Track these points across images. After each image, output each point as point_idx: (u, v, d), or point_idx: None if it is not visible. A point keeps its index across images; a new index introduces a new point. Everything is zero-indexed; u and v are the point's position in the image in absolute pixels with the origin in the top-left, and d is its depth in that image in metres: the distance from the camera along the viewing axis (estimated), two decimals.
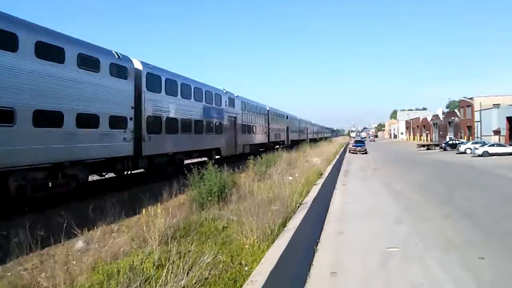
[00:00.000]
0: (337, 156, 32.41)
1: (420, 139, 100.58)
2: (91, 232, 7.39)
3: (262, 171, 16.21)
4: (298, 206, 9.60)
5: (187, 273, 5.29)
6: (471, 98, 71.28)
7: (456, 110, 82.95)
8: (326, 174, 17.75)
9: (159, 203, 8.92)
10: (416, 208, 13.37)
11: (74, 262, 6.12)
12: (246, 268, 5.91)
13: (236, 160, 25.44)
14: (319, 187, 13.19)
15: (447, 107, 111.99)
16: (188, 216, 8.95)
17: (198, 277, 5.26)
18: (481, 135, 62.51)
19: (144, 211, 8.25)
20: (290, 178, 14.48)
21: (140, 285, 4.88)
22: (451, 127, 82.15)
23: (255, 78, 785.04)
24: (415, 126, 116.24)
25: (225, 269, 5.86)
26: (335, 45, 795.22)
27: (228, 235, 7.65)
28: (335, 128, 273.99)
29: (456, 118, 79.15)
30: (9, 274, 5.22)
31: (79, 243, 6.93)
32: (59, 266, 5.53)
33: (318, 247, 8.68)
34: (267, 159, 19.16)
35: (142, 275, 5.24)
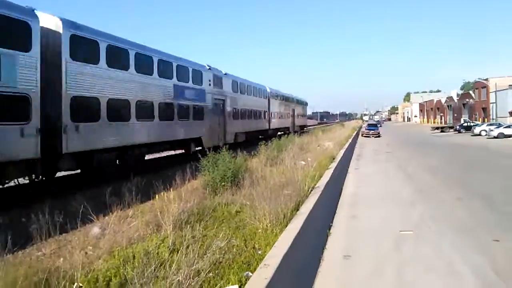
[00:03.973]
0: (350, 140, 32.31)
1: (434, 122, 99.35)
2: (106, 217, 7.53)
3: (274, 155, 16.22)
4: (311, 190, 9.64)
5: (201, 256, 5.38)
6: (486, 79, 69.88)
7: (470, 92, 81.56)
8: (338, 158, 17.73)
9: (171, 189, 9.06)
10: (430, 191, 13.28)
11: (91, 247, 6.26)
12: (259, 252, 5.98)
13: (248, 145, 25.34)
14: (332, 171, 13.20)
15: (461, 89, 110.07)
16: (202, 201, 9.04)
17: (212, 261, 5.34)
18: (496, 117, 61.48)
19: (157, 197, 8.38)
20: (303, 162, 14.49)
21: (155, 270, 4.96)
22: (466, 109, 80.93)
23: (264, 61, 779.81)
24: (429, 109, 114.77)
25: (238, 253, 5.95)
26: (346, 27, 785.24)
27: (241, 219, 7.73)
28: (347, 112, 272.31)
29: (471, 100, 77.88)
30: (29, 259, 5.33)
31: (95, 229, 7.07)
32: (77, 251, 5.66)
33: (331, 231, 8.70)
34: (278, 144, 19.16)
35: (157, 260, 5.33)
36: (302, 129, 54.66)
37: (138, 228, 6.87)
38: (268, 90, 38.17)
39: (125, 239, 6.29)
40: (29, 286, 4.40)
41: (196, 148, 20.40)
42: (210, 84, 22.77)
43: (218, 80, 24.20)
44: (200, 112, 21.23)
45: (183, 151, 21.37)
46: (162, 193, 8.63)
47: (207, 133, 21.91)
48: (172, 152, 22.22)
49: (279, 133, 40.46)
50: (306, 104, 63.97)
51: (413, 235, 8.33)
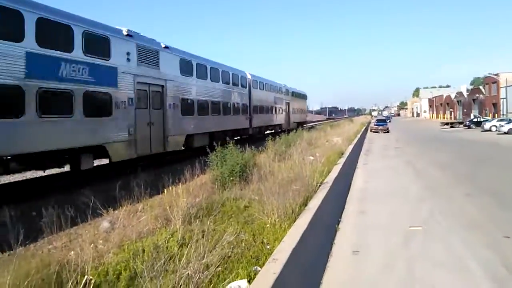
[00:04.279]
0: (358, 136, 32.17)
1: (444, 117, 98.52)
2: (116, 211, 7.59)
3: (283, 151, 16.21)
4: (319, 186, 9.62)
5: (210, 251, 5.40)
6: (496, 74, 69.20)
7: (480, 87, 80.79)
8: (347, 153, 17.66)
9: (180, 183, 9.09)
10: (439, 187, 13.21)
11: (101, 241, 6.32)
12: (268, 247, 5.99)
13: (255, 140, 25.28)
14: (340, 166, 13.16)
15: (471, 84, 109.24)
16: (211, 196, 9.08)
17: (221, 255, 5.36)
18: (507, 112, 60.96)
19: (166, 191, 8.42)
20: (311, 157, 14.45)
21: (164, 263, 5.00)
22: (476, 104, 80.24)
23: (270, 56, 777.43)
24: (438, 104, 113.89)
25: (247, 248, 5.95)
26: (355, 22, 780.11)
27: (250, 214, 7.74)
28: (356, 107, 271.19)
29: (481, 95, 77.19)
30: (40, 252, 5.39)
31: (105, 223, 7.13)
32: (87, 245, 5.71)
33: (339, 226, 8.70)
34: (287, 139, 19.14)
35: (167, 254, 5.37)
36: (300, 127, 45.84)
37: (148, 222, 6.91)
38: (249, 77, 30.02)
39: (134, 233, 6.33)
40: (41, 278, 4.45)
41: (104, 161, 14.82)
42: (128, 59, 14.67)
43: (146, 54, 15.88)
44: (102, 105, 13.42)
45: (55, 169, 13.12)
46: (171, 188, 8.67)
47: (120, 137, 13.94)
48: None
49: (268, 131, 35.12)
50: (305, 97, 56.40)
51: (422, 231, 8.30)
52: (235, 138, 23.46)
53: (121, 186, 8.29)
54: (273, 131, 36.54)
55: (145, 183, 8.37)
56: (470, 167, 17.70)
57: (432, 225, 8.72)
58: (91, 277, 4.71)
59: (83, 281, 4.56)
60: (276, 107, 37.93)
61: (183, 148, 19.50)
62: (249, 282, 4.60)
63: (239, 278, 4.82)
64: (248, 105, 29.29)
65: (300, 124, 49.17)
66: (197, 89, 20.79)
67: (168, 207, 7.17)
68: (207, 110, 21.75)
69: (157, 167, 14.57)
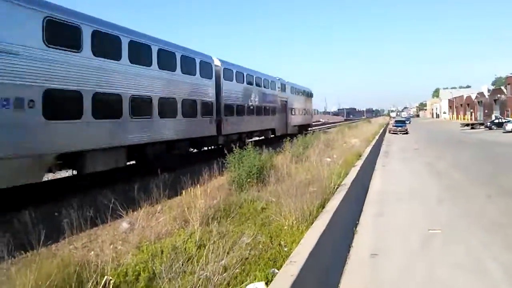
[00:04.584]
0: (377, 137, 31.82)
1: (464, 118, 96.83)
2: (135, 212, 7.68)
3: (300, 152, 16.16)
4: (337, 188, 9.56)
5: (228, 253, 5.43)
6: None
7: (502, 87, 79.06)
8: (365, 155, 17.50)
9: (198, 185, 9.16)
10: (459, 189, 12.99)
11: (120, 242, 6.41)
12: (285, 249, 5.98)
13: (273, 142, 25.20)
14: (358, 168, 13.05)
15: (492, 84, 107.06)
16: (228, 197, 9.11)
17: (239, 257, 5.38)
18: None
19: (184, 193, 8.49)
20: (328, 159, 14.39)
21: (182, 265, 5.05)
22: (497, 105, 78.57)
23: (284, 57, 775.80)
24: (459, 105, 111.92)
25: (264, 250, 5.96)
26: (373, 22, 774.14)
27: (267, 216, 7.74)
28: (374, 108, 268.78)
29: (503, 96, 75.53)
30: (61, 252, 5.49)
31: (124, 224, 7.24)
32: (107, 246, 5.80)
33: (357, 229, 8.63)
34: (304, 141, 19.08)
35: (185, 255, 5.42)
36: (303, 131, 37.37)
37: (166, 223, 6.97)
38: (217, 64, 21.22)
39: (153, 234, 6.40)
40: (62, 278, 4.54)
41: None
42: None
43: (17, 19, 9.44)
44: None
45: None
46: (189, 189, 8.74)
47: None
48: None
49: (255, 138, 27.42)
50: (310, 94, 45.71)
51: (442, 234, 8.19)
52: (190, 151, 18.89)
53: (140, 187, 8.38)
54: (262, 137, 28.76)
55: (164, 184, 8.44)
56: (491, 169, 17.36)
57: (452, 228, 8.60)
58: (110, 278, 4.78)
59: (103, 281, 4.64)
60: (265, 107, 28.39)
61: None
62: (267, 284, 4.60)
63: (257, 280, 4.83)
64: (214, 103, 20.03)
65: (303, 128, 39.75)
66: (121, 79, 13.09)
67: (186, 209, 7.23)
68: (138, 109, 13.83)
69: (176, 168, 14.69)
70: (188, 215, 7.09)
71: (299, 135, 24.83)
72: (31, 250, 5.38)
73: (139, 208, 7.73)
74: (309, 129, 43.13)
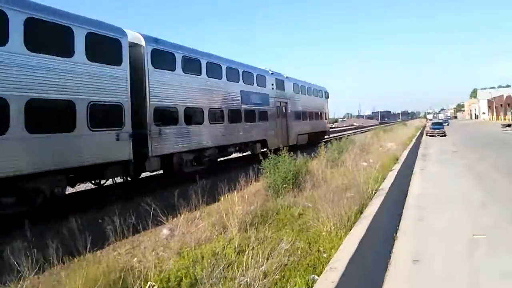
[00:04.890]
0: (414, 140, 31.14)
1: (505, 119, 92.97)
2: (175, 219, 7.84)
3: (335, 157, 16.03)
4: (375, 193, 9.45)
5: (267, 259, 5.46)
6: None
7: None
8: (402, 159, 17.18)
9: (235, 191, 9.28)
10: (503, 192, 12.49)
11: (162, 248, 6.56)
12: (324, 255, 5.96)
13: (306, 147, 24.99)
14: (396, 172, 12.83)
15: None
16: (264, 203, 9.15)
17: (278, 263, 5.40)
18: None
19: (222, 199, 8.59)
20: (364, 164, 14.21)
21: (223, 270, 5.11)
22: None
23: (315, 59, 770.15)
24: (498, 105, 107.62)
25: (303, 256, 5.96)
26: (407, 22, 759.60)
27: (304, 222, 7.73)
28: (410, 111, 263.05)
29: None
30: (106, 258, 5.68)
31: (165, 230, 7.41)
32: (149, 252, 5.96)
33: (397, 234, 8.46)
34: (339, 146, 18.90)
35: (225, 261, 5.49)
36: (317, 140, 30.37)
37: (205, 229, 7.08)
38: (140, 43, 13.59)
39: (193, 240, 6.52)
40: (108, 283, 4.70)
41: None
42: None
43: None
44: None
45: None
46: (226, 195, 8.86)
47: None
48: None
49: (233, 155, 21.37)
50: (324, 94, 35.88)
51: (487, 239, 7.91)
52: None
53: (180, 193, 8.55)
54: (243, 153, 21.62)
55: (202, 190, 8.57)
56: None
57: (498, 233, 8.28)
58: (153, 283, 4.91)
59: (147, 286, 4.78)
60: (248, 110, 20.38)
61: None
62: None
63: (297, 286, 4.84)
64: (127, 106, 12.03)
65: (316, 137, 31.50)
66: None
67: (224, 215, 7.32)
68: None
69: (214, 174, 14.91)
70: (227, 221, 7.18)
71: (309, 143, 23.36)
72: (78, 255, 5.60)
73: (179, 215, 7.89)
74: (326, 137, 35.45)
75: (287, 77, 26.86)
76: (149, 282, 4.89)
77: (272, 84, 24.05)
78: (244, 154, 21.83)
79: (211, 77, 17.20)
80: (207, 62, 16.93)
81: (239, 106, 19.62)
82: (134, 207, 8.41)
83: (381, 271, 6.35)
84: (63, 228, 6.48)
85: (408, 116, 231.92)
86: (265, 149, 19.09)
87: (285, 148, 13.61)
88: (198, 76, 16.28)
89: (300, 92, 28.95)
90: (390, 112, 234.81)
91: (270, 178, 10.70)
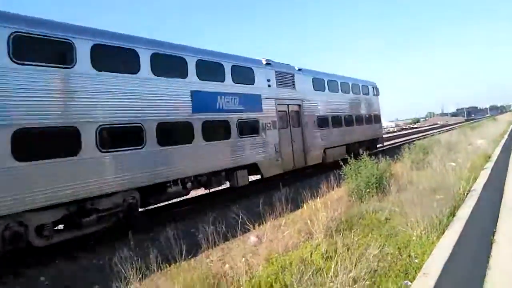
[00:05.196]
0: (506, 136, 28.81)
1: None
2: (261, 226, 8.05)
3: (420, 158, 15.36)
4: (467, 194, 8.94)
5: (355, 265, 5.42)
6: None
7: None
8: (494, 157, 16.00)
9: (318, 197, 9.29)
10: None
11: (250, 255, 6.78)
12: (416, 261, 5.78)
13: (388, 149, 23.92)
14: (489, 171, 12.01)
15: None
16: (348, 209, 9.05)
17: (367, 269, 5.34)
18: None
19: (305, 205, 8.66)
20: (453, 164, 13.46)
21: (312, 276, 5.17)
22: None
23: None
24: None
25: (393, 261, 5.82)
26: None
27: (392, 227, 7.53)
28: (499, 105, 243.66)
29: None
30: (200, 265, 6.01)
31: (252, 238, 7.65)
32: (239, 258, 6.20)
33: (495, 237, 7.93)
34: (423, 146, 18.09)
35: (313, 267, 5.54)
36: (364, 150, 15.33)
37: (291, 236, 7.19)
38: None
39: (280, 247, 6.65)
40: None
41: None
42: None
43: None
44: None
45: None
46: (309, 202, 8.90)
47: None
48: None
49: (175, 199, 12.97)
50: (374, 91, 27.55)
51: None
52: None
53: (264, 201, 8.77)
54: (209, 189, 13.83)
55: (285, 198, 8.71)
56: None
57: None
58: None
59: None
60: (205, 122, 12.56)
61: None
62: None
63: None
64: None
65: (359, 148, 21.81)
66: None
67: (309, 221, 7.38)
68: None
69: (296, 181, 15.09)
70: (311, 227, 7.23)
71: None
72: (174, 262, 5.99)
73: (264, 222, 8.09)
74: (378, 146, 27.79)
75: (299, 69, 18.84)
76: None
77: (269, 80, 16.23)
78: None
79: (120, 73, 10.29)
80: (154, 54, 11.21)
81: (186, 117, 11.96)
82: (224, 215, 8.81)
83: (479, 276, 6.02)
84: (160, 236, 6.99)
85: (497, 110, 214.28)
86: (261, 177, 15.66)
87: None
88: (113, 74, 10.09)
89: (326, 90, 20.72)
90: (477, 107, 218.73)
91: (352, 183, 10.55)
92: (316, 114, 19.19)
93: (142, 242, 7.80)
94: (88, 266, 7.83)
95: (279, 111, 16.45)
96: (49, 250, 8.40)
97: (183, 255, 5.83)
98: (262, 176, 15.24)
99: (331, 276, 5.03)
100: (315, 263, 5.82)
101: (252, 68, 15.54)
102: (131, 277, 5.17)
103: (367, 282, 5.02)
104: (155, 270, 5.61)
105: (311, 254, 6.21)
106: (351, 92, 23.53)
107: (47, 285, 7.16)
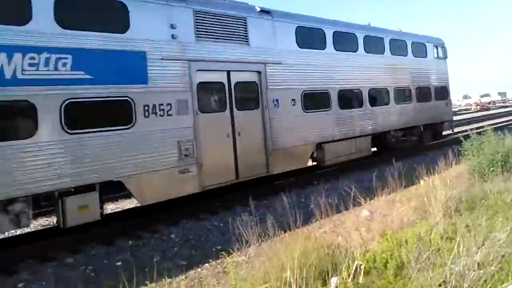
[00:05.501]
0: None
1: None
2: (373, 201, 7.93)
3: None
4: None
5: (479, 248, 5.10)
6: None
7: None
8: None
9: (434, 174, 8.80)
10: None
11: (363, 229, 6.74)
12: None
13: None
14: None
15: None
16: (468, 188, 8.47)
17: (494, 254, 5.00)
18: None
19: (422, 182, 8.29)
20: None
21: (430, 256, 4.99)
22: None
23: None
24: None
25: None
26: None
27: None
28: None
29: None
30: (313, 234, 6.15)
31: (365, 212, 7.58)
32: (353, 231, 6.19)
33: None
34: None
35: (431, 246, 5.34)
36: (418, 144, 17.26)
37: (406, 213, 6.99)
38: None
39: (395, 223, 6.52)
40: (318, 258, 5.08)
41: None
42: None
43: None
44: None
45: None
46: (424, 178, 8.50)
47: None
48: None
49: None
50: (440, 51, 19.66)
51: None
52: None
53: (377, 175, 8.60)
54: None
55: (398, 173, 8.43)
56: None
57: None
58: (361, 263, 5.11)
59: (354, 265, 5.00)
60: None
61: None
62: None
63: None
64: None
65: (410, 136, 17.13)
66: None
67: (425, 199, 7.07)
68: None
69: (409, 156, 14.60)
70: (428, 205, 6.93)
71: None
72: (288, 230, 6.19)
73: (376, 197, 7.95)
74: (445, 133, 20.62)
75: (264, 11, 11.85)
76: (356, 261, 5.10)
77: (173, 26, 9.34)
78: None
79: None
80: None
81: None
82: (336, 188, 8.85)
83: None
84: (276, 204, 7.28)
85: None
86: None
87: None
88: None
89: (328, 47, 13.67)
90: None
91: (474, 160, 9.80)
92: (301, 87, 12.38)
93: (258, 208, 8.20)
94: (211, 227, 8.65)
95: (201, 82, 9.90)
96: (178, 211, 9.47)
97: (297, 224, 5.98)
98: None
99: (452, 258, 4.80)
100: (432, 243, 5.59)
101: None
102: (252, 241, 5.48)
103: (493, 268, 4.71)
104: (272, 235, 5.84)
105: (430, 233, 5.97)
106: (387, 51, 16.41)
107: (177, 242, 8.10)
